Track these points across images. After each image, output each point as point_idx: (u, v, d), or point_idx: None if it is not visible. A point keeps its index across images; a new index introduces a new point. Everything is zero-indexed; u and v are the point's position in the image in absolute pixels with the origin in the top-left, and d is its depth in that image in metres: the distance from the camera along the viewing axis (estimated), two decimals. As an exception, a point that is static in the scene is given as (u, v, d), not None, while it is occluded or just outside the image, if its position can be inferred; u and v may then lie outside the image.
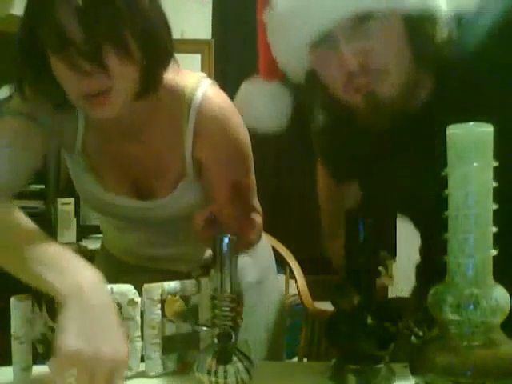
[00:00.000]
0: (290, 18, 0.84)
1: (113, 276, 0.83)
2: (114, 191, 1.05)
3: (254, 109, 0.98)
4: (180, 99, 0.99)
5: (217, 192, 0.99)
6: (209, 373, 0.77)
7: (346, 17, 0.81)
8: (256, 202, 1.07)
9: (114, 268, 1.17)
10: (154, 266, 1.15)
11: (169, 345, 0.88)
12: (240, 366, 0.78)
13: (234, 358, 0.78)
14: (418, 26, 0.85)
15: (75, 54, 0.80)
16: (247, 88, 0.99)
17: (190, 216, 0.92)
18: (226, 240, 0.78)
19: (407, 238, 3.44)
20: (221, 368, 0.77)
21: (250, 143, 1.03)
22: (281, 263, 1.63)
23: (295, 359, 1.74)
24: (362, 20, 0.82)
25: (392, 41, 0.85)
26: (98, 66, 0.81)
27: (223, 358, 0.77)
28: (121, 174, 1.05)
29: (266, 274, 1.25)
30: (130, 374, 0.86)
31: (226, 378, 0.76)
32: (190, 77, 1.03)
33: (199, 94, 0.99)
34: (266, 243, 1.32)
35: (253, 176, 1.06)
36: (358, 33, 0.82)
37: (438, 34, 0.86)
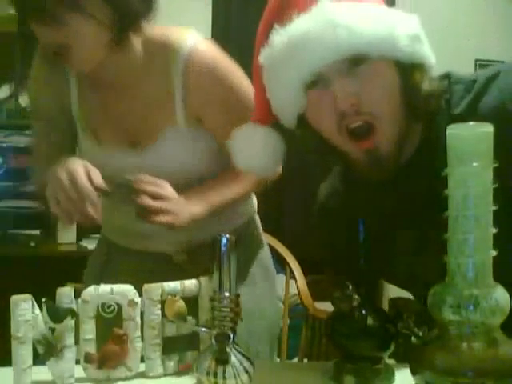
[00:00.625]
0: (284, 59, 0.85)
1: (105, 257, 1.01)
2: (109, 147, 1.11)
3: (247, 155, 0.96)
4: (168, 50, 1.05)
5: (224, 138, 0.99)
6: (208, 373, 0.77)
7: (339, 59, 0.82)
8: None
9: (106, 250, 1.27)
10: (142, 246, 1.17)
11: (169, 345, 0.88)
12: (239, 366, 0.78)
13: (233, 359, 0.78)
14: (409, 72, 0.86)
15: (36, 12, 0.98)
16: (240, 134, 0.96)
17: (177, 182, 1.01)
18: (225, 240, 0.78)
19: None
20: (220, 369, 0.77)
21: (248, 89, 1.05)
22: (281, 263, 1.63)
23: (295, 359, 1.74)
24: (354, 63, 0.83)
25: (385, 85, 0.85)
26: (52, 21, 0.95)
27: (222, 358, 0.77)
28: (114, 127, 1.11)
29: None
30: (130, 374, 0.86)
31: (225, 378, 0.76)
32: (179, 30, 1.08)
33: (187, 44, 1.05)
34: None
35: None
36: (350, 75, 0.83)
37: (427, 84, 0.88)
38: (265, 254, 1.30)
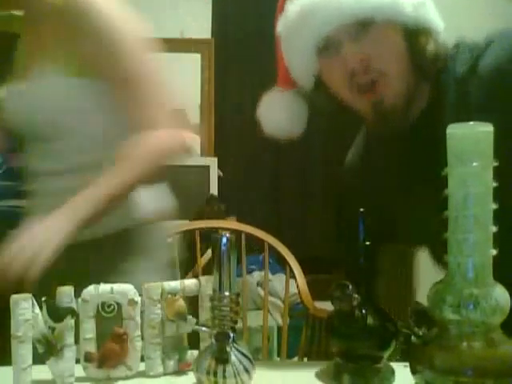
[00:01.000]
0: (298, 26, 0.93)
1: None
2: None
3: (272, 118, 1.04)
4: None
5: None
6: (208, 373, 0.77)
7: (349, 23, 0.89)
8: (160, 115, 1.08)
9: None
10: None
11: (169, 345, 0.88)
12: (239, 366, 0.77)
13: (233, 358, 0.78)
14: (414, 36, 0.93)
15: None
16: (266, 99, 1.05)
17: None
18: (225, 240, 0.78)
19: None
20: (220, 368, 0.77)
21: (128, 30, 1.06)
22: (281, 263, 1.63)
23: (295, 359, 1.74)
24: (363, 25, 0.90)
25: (392, 46, 0.92)
26: None
27: (222, 358, 0.77)
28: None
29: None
30: (130, 373, 0.86)
31: (225, 377, 0.76)
32: None
33: None
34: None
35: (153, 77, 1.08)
36: (359, 36, 0.91)
37: (433, 47, 0.95)
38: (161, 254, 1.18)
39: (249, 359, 0.79)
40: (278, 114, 1.03)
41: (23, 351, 0.79)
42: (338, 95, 0.97)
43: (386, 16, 0.90)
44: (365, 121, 1.02)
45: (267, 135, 1.04)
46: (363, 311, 0.82)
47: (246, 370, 0.78)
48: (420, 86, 0.95)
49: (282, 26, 0.97)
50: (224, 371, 0.77)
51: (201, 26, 3.42)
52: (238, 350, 0.79)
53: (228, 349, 0.77)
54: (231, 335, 0.78)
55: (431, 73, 0.96)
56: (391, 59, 0.92)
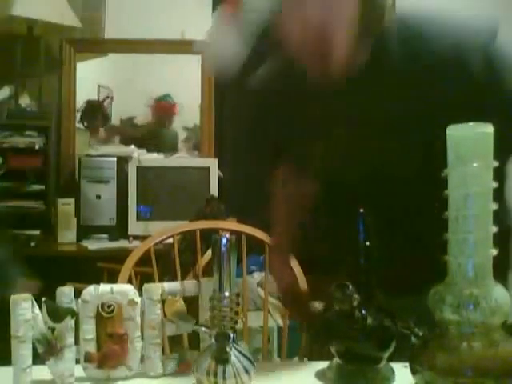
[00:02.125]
0: None
1: None
2: None
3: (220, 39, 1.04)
4: None
5: None
6: (208, 373, 0.77)
7: None
8: None
9: None
10: None
11: (169, 345, 0.88)
12: (239, 366, 0.77)
13: (233, 359, 0.78)
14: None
15: None
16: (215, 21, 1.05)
17: None
18: (225, 240, 0.78)
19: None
20: (220, 368, 0.77)
21: None
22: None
23: (295, 359, 1.74)
24: None
25: (349, 14, 0.93)
26: None
27: (222, 358, 0.77)
28: None
29: None
30: (130, 373, 0.86)
31: (224, 378, 0.76)
32: None
33: None
34: None
35: None
36: None
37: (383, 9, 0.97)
38: None
39: (249, 359, 0.79)
40: (226, 36, 1.03)
41: (23, 351, 0.79)
42: (287, 38, 0.96)
43: None
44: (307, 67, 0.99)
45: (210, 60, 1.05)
46: (363, 311, 0.82)
47: (246, 371, 0.78)
48: (363, 41, 0.96)
49: None
50: (224, 372, 0.76)
51: (201, 26, 3.42)
52: (237, 350, 0.79)
53: (228, 349, 0.77)
54: (231, 335, 0.78)
55: (376, 31, 0.97)
56: (345, 11, 0.93)
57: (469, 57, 0.97)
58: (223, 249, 0.78)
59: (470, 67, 0.96)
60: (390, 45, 0.97)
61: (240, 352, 0.79)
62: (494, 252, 0.72)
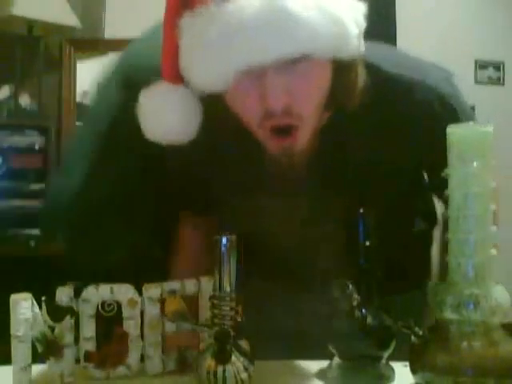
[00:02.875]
0: (218, 45, 0.76)
1: None
2: None
3: (162, 119, 0.85)
4: None
5: None
6: (208, 372, 0.77)
7: (281, 58, 0.75)
8: None
9: None
10: None
11: (169, 344, 0.88)
12: (239, 365, 0.77)
13: (234, 358, 0.78)
14: (345, 71, 0.82)
15: None
16: (151, 95, 0.86)
17: None
18: (225, 240, 0.78)
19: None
20: (220, 368, 0.77)
21: None
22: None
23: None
24: (294, 60, 0.76)
25: (319, 85, 0.82)
26: None
27: (222, 357, 0.77)
28: None
29: None
30: (130, 373, 0.86)
31: (225, 377, 0.76)
32: None
33: None
34: None
35: None
36: (287, 69, 0.77)
37: (359, 82, 0.85)
38: None
39: (248, 358, 0.79)
40: (169, 114, 0.84)
41: (23, 350, 0.79)
42: (240, 117, 0.84)
43: (328, 52, 0.77)
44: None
45: (151, 139, 0.85)
46: (363, 311, 0.82)
47: (246, 370, 0.78)
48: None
49: (189, 23, 0.79)
50: (224, 371, 0.76)
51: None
52: (237, 349, 0.79)
53: (228, 348, 0.77)
54: (231, 334, 0.78)
55: (347, 107, 0.87)
56: (315, 99, 0.82)
57: (434, 109, 0.93)
58: (223, 248, 0.78)
59: (437, 119, 0.90)
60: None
61: (240, 351, 0.79)
62: (494, 252, 0.72)
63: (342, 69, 0.82)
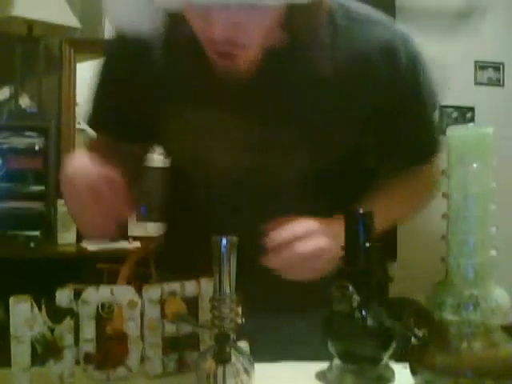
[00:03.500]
0: None
1: None
2: None
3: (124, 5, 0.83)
4: None
5: None
6: (208, 374, 0.77)
7: None
8: None
9: None
10: None
11: (169, 345, 0.88)
12: (239, 366, 0.77)
13: (233, 359, 0.78)
14: (296, 14, 0.84)
15: None
16: None
17: None
18: (224, 241, 0.78)
19: (407, 237, 3.44)
20: (220, 369, 0.77)
21: None
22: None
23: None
24: None
25: (267, 15, 0.81)
26: None
27: (222, 358, 0.77)
28: None
29: None
30: (129, 374, 0.86)
31: (225, 378, 0.76)
32: None
33: None
34: None
35: None
36: (236, 3, 0.76)
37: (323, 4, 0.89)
38: None
39: (249, 360, 0.79)
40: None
41: (22, 352, 0.79)
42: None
43: None
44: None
45: (113, 25, 0.87)
46: (363, 312, 0.82)
47: (246, 371, 0.78)
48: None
49: None
50: (224, 372, 0.76)
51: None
52: (237, 350, 0.79)
53: (228, 349, 0.77)
54: (231, 336, 0.78)
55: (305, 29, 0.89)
56: (261, 29, 0.82)
57: (396, 57, 0.94)
58: (223, 249, 0.78)
59: (397, 67, 0.93)
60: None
61: (240, 352, 0.79)
62: (494, 252, 0.72)
63: (294, 11, 0.82)
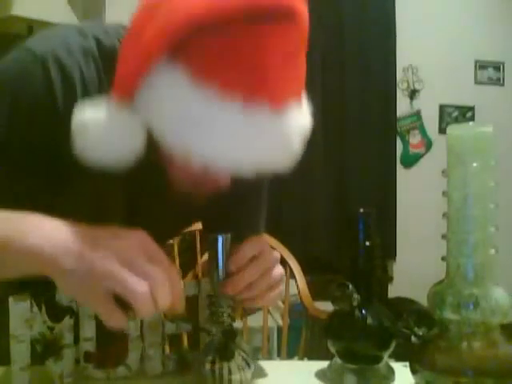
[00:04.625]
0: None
1: None
2: None
3: (103, 138, 0.70)
4: None
5: None
6: (212, 370, 0.77)
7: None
8: None
9: None
10: None
11: (169, 345, 0.88)
12: (242, 363, 0.78)
13: (236, 355, 0.78)
14: None
15: None
16: (92, 111, 0.70)
17: None
18: (221, 239, 0.78)
19: (407, 237, 3.44)
20: (225, 365, 0.77)
21: None
22: (281, 263, 1.63)
23: (295, 359, 1.74)
24: None
25: None
26: None
27: (226, 354, 0.77)
28: None
29: None
30: (129, 373, 0.86)
31: (230, 374, 0.77)
32: None
33: None
34: None
35: None
36: None
37: None
38: None
39: (250, 356, 0.79)
40: (110, 134, 0.69)
41: (22, 351, 0.79)
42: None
43: None
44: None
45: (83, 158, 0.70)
46: (363, 311, 0.82)
47: (249, 367, 0.78)
48: None
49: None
50: (229, 368, 0.77)
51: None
52: (239, 347, 0.79)
53: (232, 346, 0.78)
54: (230, 332, 0.78)
55: None
56: None
57: None
58: (220, 246, 0.78)
59: None
60: None
61: (241, 349, 0.79)
62: (494, 252, 0.72)
63: None
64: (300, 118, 0.72)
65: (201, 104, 0.65)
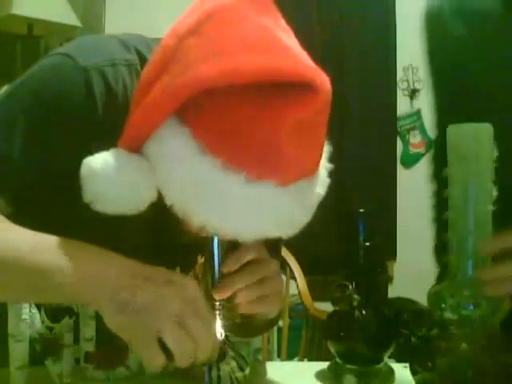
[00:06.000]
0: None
1: None
2: None
3: (113, 188, 0.67)
4: None
5: None
6: (203, 372, 0.77)
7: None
8: None
9: None
10: None
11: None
12: (234, 364, 0.78)
13: (228, 357, 0.78)
14: None
15: None
16: (102, 160, 0.67)
17: None
18: (216, 239, 0.78)
19: (407, 237, 3.44)
20: (215, 366, 0.77)
21: None
22: (281, 263, 1.63)
23: (295, 359, 1.74)
24: None
25: None
26: None
27: (217, 356, 0.77)
28: None
29: None
30: (129, 373, 0.86)
31: (219, 376, 0.76)
32: None
33: None
34: None
35: None
36: None
37: None
38: None
39: (243, 358, 0.79)
40: (121, 183, 0.67)
41: (20, 351, 0.79)
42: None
43: None
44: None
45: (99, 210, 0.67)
46: (363, 312, 0.82)
47: (241, 369, 0.78)
48: None
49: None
50: (219, 370, 0.77)
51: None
52: (232, 348, 0.79)
53: (223, 347, 0.78)
54: (225, 333, 0.78)
55: None
56: None
57: None
58: (215, 246, 0.78)
59: None
60: None
61: (235, 350, 0.79)
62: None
63: None
64: (311, 188, 0.69)
65: (203, 168, 0.62)
